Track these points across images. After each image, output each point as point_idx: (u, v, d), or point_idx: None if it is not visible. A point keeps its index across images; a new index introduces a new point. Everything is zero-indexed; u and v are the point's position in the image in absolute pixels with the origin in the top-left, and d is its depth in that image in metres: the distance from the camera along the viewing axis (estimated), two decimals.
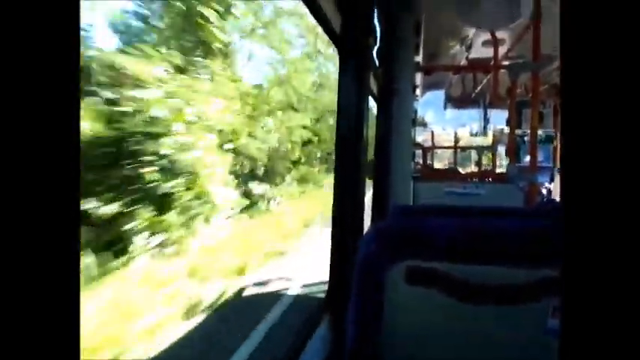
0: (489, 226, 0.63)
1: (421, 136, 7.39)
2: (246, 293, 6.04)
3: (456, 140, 7.86)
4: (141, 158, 6.89)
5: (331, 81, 17.11)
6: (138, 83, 7.05)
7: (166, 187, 7.21)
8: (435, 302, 0.66)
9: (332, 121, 16.36)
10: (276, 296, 5.66)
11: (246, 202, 10.65)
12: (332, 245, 1.47)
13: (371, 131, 1.67)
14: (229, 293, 5.97)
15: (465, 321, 0.68)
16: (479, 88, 4.90)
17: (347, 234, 1.45)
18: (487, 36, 3.50)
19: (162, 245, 6.96)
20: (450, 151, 7.93)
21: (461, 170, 6.92)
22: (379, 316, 0.66)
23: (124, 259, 6.21)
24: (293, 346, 1.28)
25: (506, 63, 3.49)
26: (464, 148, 8.51)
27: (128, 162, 6.75)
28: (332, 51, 14.91)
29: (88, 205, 5.90)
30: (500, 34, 3.37)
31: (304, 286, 5.95)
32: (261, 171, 12.20)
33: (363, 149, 1.46)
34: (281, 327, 4.68)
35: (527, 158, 2.89)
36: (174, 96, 7.77)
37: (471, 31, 3.54)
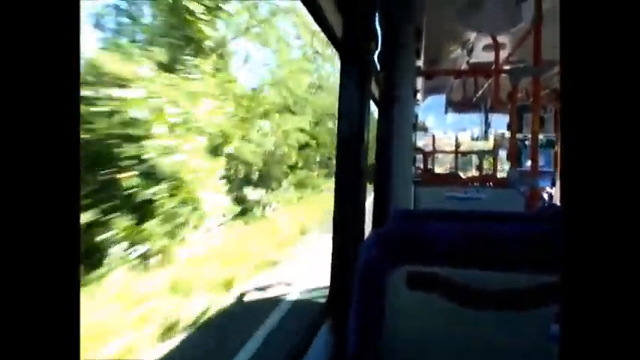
0: (490, 231, 0.63)
1: (422, 141, 7.40)
2: (231, 310, 5.53)
3: (457, 145, 7.86)
4: (118, 162, 6.41)
5: (330, 83, 16.77)
6: (116, 82, 6.53)
7: (147, 193, 6.66)
8: (437, 307, 0.66)
9: (331, 124, 16.04)
10: (263, 314, 5.14)
11: (240, 208, 10.25)
12: (333, 250, 1.47)
13: (372, 135, 1.68)
14: (213, 310, 5.44)
15: (467, 326, 0.68)
16: (480, 92, 4.90)
17: (348, 239, 1.45)
18: (488, 40, 3.51)
19: (144, 256, 6.45)
20: (451, 155, 7.93)
21: (462, 175, 6.92)
22: (380, 320, 0.66)
23: (98, 272, 5.67)
24: (294, 350, 1.28)
25: (507, 67, 3.50)
26: (465, 153, 8.50)
27: (104, 166, 6.26)
28: (331, 52, 14.58)
29: None
30: (501, 39, 3.38)
31: (296, 301, 5.50)
32: (256, 176, 11.78)
33: (364, 154, 1.46)
34: (266, 349, 4.30)
35: (529, 163, 2.88)
36: (157, 96, 7.22)
37: (472, 36, 3.55)
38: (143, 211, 6.65)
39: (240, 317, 5.25)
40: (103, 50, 7.55)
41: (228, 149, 10.31)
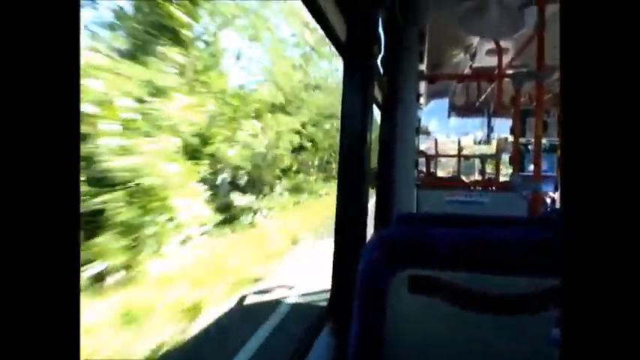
0: (492, 236, 0.64)
1: (425, 144, 7.39)
2: (192, 343, 4.47)
3: (460, 148, 7.85)
4: None
5: (327, 82, 15.79)
6: None
7: (95, 202, 5.52)
8: (438, 311, 0.66)
9: (328, 125, 15.21)
10: (231, 350, 4.06)
11: (226, 215, 9.25)
12: (335, 253, 1.47)
13: (374, 138, 1.68)
14: (169, 346, 4.42)
15: (469, 330, 0.67)
16: (483, 96, 4.90)
17: (350, 242, 1.45)
18: (491, 45, 3.51)
19: (97, 277, 5.33)
20: (454, 159, 7.92)
21: (464, 179, 6.90)
22: (382, 324, 0.66)
23: None
24: (295, 354, 1.28)
25: (510, 72, 3.50)
26: (467, 157, 8.49)
27: None
28: (329, 49, 13.73)
29: None
30: (504, 43, 3.38)
31: (274, 331, 4.41)
32: (244, 180, 10.75)
33: (366, 157, 1.47)
34: None
35: (532, 167, 2.88)
36: (113, 89, 6.10)
37: (475, 40, 3.55)
38: (92, 223, 5.52)
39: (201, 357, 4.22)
40: None
41: (212, 151, 9.37)
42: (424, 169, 5.83)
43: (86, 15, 6.72)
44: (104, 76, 6.02)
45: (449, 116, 6.63)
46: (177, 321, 4.88)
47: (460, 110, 6.34)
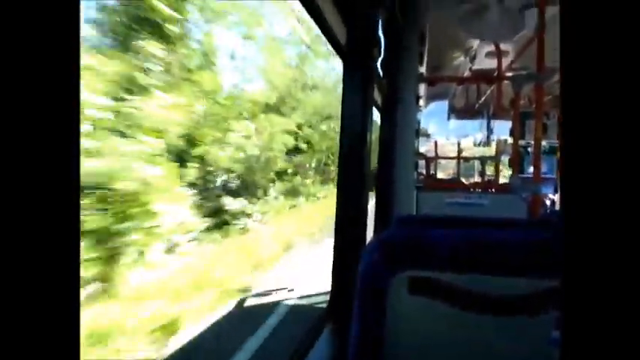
0: (492, 237, 0.64)
1: (424, 147, 7.39)
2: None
3: (460, 150, 7.86)
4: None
5: (324, 81, 15.28)
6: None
7: None
8: (438, 313, 0.66)
9: (325, 126, 14.79)
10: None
11: (216, 220, 8.79)
12: (335, 254, 1.47)
13: (374, 139, 1.68)
14: None
15: (469, 332, 0.67)
16: (482, 99, 4.91)
17: (350, 243, 1.45)
18: (491, 47, 3.52)
19: None
20: (454, 161, 7.92)
21: (464, 181, 6.90)
22: (382, 325, 0.66)
23: None
24: (295, 354, 1.28)
25: (509, 74, 3.51)
26: (467, 159, 8.49)
27: None
28: (326, 49, 13.31)
29: None
30: (504, 46, 3.39)
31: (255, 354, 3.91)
32: (235, 183, 10.34)
33: (366, 159, 1.47)
34: None
35: (531, 169, 2.88)
36: (84, 86, 5.47)
37: (474, 43, 3.56)
38: None
39: None
40: None
41: (200, 153, 8.90)
42: (424, 171, 5.83)
43: None
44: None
45: (448, 118, 6.63)
46: (150, 340, 4.44)
47: (460, 112, 6.35)
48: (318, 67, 15.40)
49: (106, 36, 6.95)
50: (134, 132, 6.50)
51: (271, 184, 12.16)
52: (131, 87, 6.66)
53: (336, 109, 14.21)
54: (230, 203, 9.72)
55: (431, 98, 5.79)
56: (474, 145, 8.45)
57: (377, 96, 2.09)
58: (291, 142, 12.87)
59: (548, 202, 4.92)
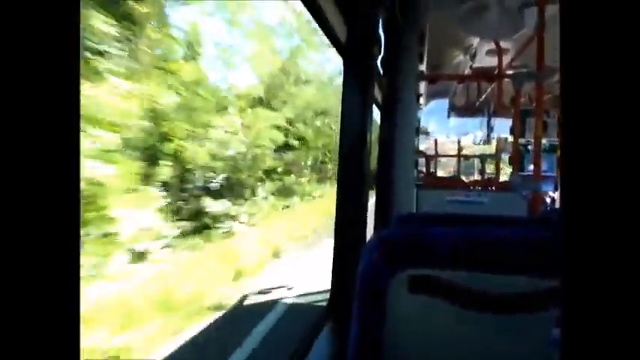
0: (492, 235, 0.64)
1: (424, 144, 7.39)
2: None
3: (460, 148, 7.86)
4: None
5: (318, 75, 14.41)
6: None
7: None
8: (438, 311, 0.66)
9: (320, 123, 14.03)
10: None
11: (195, 224, 7.87)
12: (334, 253, 1.47)
13: (374, 138, 1.68)
14: None
15: (468, 330, 0.68)
16: (483, 97, 4.90)
17: (350, 242, 1.45)
18: (491, 45, 3.51)
19: None
20: (454, 159, 7.92)
21: (464, 179, 6.90)
22: (381, 324, 0.66)
23: None
24: (295, 354, 1.28)
25: (510, 72, 3.50)
26: (467, 157, 8.50)
27: None
28: (319, 40, 12.67)
29: None
30: (504, 44, 3.39)
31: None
32: (217, 183, 9.32)
33: (366, 157, 1.47)
34: None
35: (531, 167, 2.88)
36: None
37: (475, 41, 3.55)
38: None
39: None
40: None
41: (174, 150, 7.87)
42: (424, 169, 5.83)
43: None
44: None
45: (449, 116, 6.63)
46: None
47: (460, 110, 6.34)
48: (311, 60, 14.52)
49: None
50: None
51: (260, 184, 11.25)
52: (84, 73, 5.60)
53: (332, 104, 13.83)
54: (212, 205, 8.83)
55: (431, 96, 5.79)
56: (474, 143, 8.45)
57: (377, 94, 2.09)
58: (280, 138, 12.01)
59: (548, 200, 4.92)
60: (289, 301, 4.76)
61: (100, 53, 6.10)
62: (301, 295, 4.91)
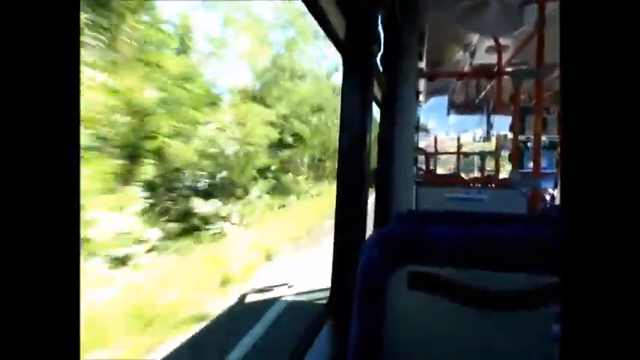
0: (492, 232, 0.64)
1: (424, 141, 7.38)
2: None
3: (459, 146, 7.85)
4: None
5: (315, 69, 13.89)
6: None
7: None
8: (438, 308, 0.66)
9: (316, 119, 13.61)
10: None
11: (183, 226, 7.33)
12: (334, 251, 1.47)
13: (373, 136, 1.68)
14: None
15: (469, 328, 0.68)
16: (482, 94, 4.90)
17: (349, 240, 1.45)
18: (491, 42, 3.51)
19: None
20: (454, 156, 7.92)
21: (464, 176, 6.90)
22: (381, 321, 0.66)
23: None
24: (295, 352, 1.28)
25: (509, 69, 3.50)
26: (467, 154, 8.49)
27: None
28: (316, 32, 12.27)
29: None
30: (504, 41, 3.39)
31: None
32: (209, 182, 8.82)
33: (366, 154, 1.47)
34: None
35: (531, 164, 2.89)
36: None
37: (474, 38, 3.55)
38: None
39: None
40: None
41: (156, 148, 7.33)
42: (423, 167, 5.84)
43: None
44: None
45: (448, 114, 6.62)
46: None
47: (459, 108, 6.34)
48: (307, 54, 14.05)
49: None
50: None
51: (253, 182, 10.68)
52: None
53: (328, 100, 13.60)
54: (201, 205, 8.31)
55: (430, 93, 5.79)
56: (473, 140, 8.44)
57: (376, 92, 2.09)
58: (274, 135, 11.48)
59: (547, 197, 4.92)
60: (274, 313, 4.35)
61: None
62: (287, 309, 4.43)
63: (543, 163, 3.55)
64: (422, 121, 6.37)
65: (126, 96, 6.53)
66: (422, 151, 5.97)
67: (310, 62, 14.18)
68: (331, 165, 14.13)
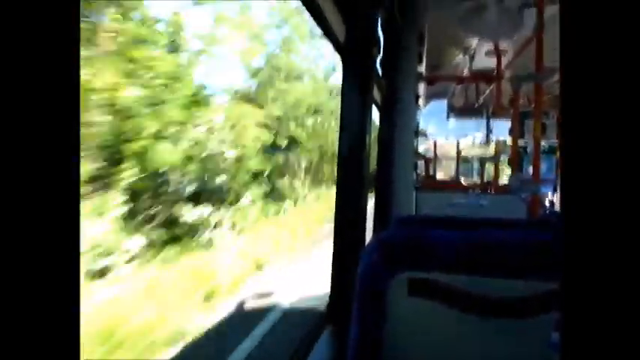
0: (491, 238, 0.63)
1: (423, 146, 7.38)
2: None
3: (459, 151, 7.86)
4: None
5: (312, 70, 13.39)
6: None
7: None
8: (437, 314, 0.66)
9: (312, 121, 12.97)
10: None
11: (168, 234, 6.91)
12: (334, 256, 1.47)
13: (373, 139, 1.68)
14: None
15: (468, 333, 0.67)
16: (481, 98, 4.91)
17: (349, 244, 1.45)
18: (490, 46, 3.52)
19: None
20: (453, 161, 7.93)
21: (463, 181, 6.90)
22: (381, 326, 0.66)
23: None
24: (295, 356, 1.28)
25: (508, 74, 3.51)
26: (466, 159, 8.49)
27: None
28: (312, 32, 11.92)
29: None
30: (503, 45, 3.39)
31: None
32: (197, 187, 8.29)
33: (365, 159, 1.46)
34: None
35: (530, 169, 2.89)
36: None
37: (474, 42, 3.56)
38: None
39: None
40: None
41: (136, 150, 6.87)
42: (423, 172, 5.84)
43: None
44: None
45: (448, 117, 6.63)
46: None
47: (459, 112, 6.35)
48: (303, 54, 13.47)
49: None
50: None
51: (246, 187, 10.17)
52: None
53: (326, 101, 13.31)
54: (189, 211, 7.82)
55: (430, 97, 5.80)
56: (473, 144, 8.44)
57: (376, 95, 2.09)
58: (268, 137, 10.95)
59: (547, 203, 4.92)
60: (260, 332, 4.15)
61: None
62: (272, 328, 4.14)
63: (543, 167, 3.55)
64: (421, 125, 6.37)
65: (105, 94, 6.18)
66: (421, 156, 5.97)
67: (307, 62, 13.69)
68: (329, 169, 13.88)
